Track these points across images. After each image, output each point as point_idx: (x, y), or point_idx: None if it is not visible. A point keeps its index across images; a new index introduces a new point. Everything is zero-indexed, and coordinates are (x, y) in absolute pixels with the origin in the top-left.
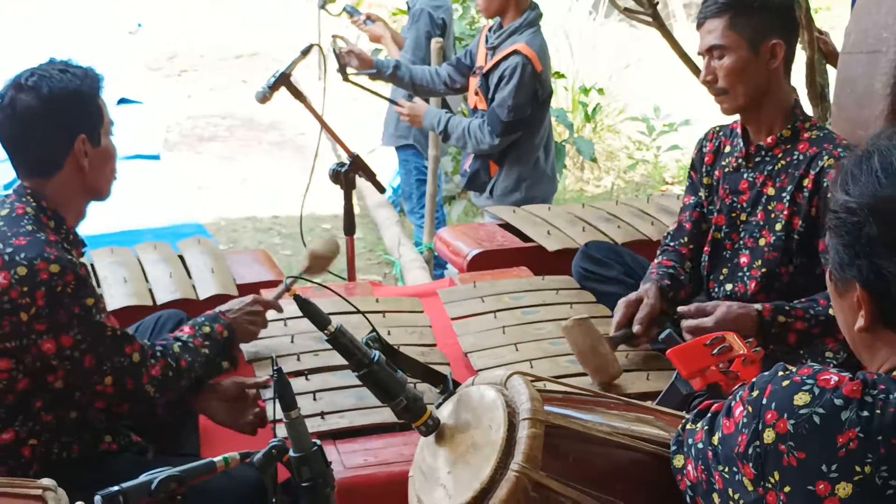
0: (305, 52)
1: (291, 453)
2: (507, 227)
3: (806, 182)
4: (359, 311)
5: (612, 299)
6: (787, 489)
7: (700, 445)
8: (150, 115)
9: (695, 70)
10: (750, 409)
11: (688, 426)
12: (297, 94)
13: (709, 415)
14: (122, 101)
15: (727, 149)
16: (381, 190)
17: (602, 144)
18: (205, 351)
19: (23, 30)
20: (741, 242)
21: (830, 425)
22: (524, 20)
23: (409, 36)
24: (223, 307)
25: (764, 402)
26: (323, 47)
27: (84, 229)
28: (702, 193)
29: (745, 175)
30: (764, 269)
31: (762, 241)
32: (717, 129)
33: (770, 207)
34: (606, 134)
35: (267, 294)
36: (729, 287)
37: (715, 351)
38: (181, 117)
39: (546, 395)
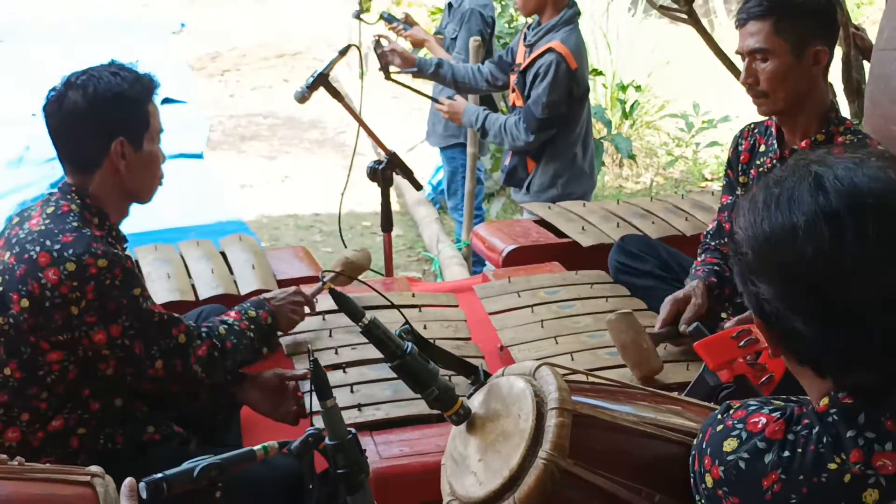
0: (343, 52)
1: (327, 441)
2: (542, 223)
3: None
4: (393, 305)
5: (646, 293)
6: None
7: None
8: (193, 114)
9: (732, 68)
10: (695, 453)
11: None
12: (335, 94)
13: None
14: (166, 100)
15: (762, 148)
16: (419, 187)
17: (641, 141)
18: (250, 334)
19: (70, 30)
20: None
21: (755, 469)
22: (561, 18)
23: (461, 36)
24: (267, 295)
25: (703, 446)
26: (360, 47)
27: (128, 227)
28: (738, 192)
29: None
30: None
31: None
32: (752, 126)
33: None
34: (645, 131)
35: (307, 288)
36: None
37: (741, 343)
38: (224, 116)
39: (574, 385)
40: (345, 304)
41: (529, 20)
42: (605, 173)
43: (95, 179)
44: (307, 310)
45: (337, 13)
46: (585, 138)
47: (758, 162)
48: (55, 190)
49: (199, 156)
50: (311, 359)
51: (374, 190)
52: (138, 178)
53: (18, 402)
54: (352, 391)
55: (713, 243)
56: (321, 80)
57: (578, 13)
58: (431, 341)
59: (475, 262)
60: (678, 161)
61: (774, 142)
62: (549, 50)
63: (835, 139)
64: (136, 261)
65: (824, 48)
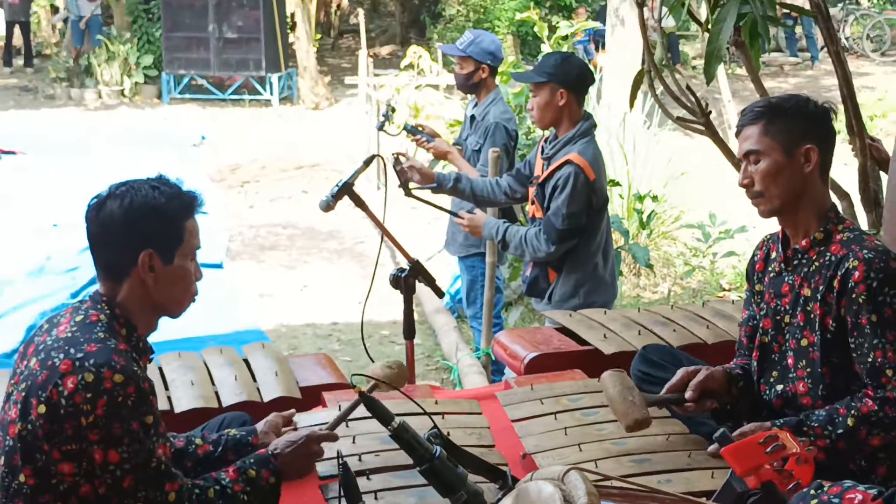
0: (367, 162)
1: None
2: (563, 330)
3: (834, 283)
4: (424, 412)
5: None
6: None
7: None
8: (213, 224)
9: None
10: None
11: None
12: (360, 203)
13: None
14: None
15: (773, 254)
16: (441, 294)
17: (658, 251)
18: (243, 497)
19: (91, 143)
20: (787, 345)
21: None
22: (577, 130)
23: (485, 149)
24: (277, 445)
25: None
26: (384, 157)
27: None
28: (754, 305)
29: (786, 278)
30: (808, 370)
31: (804, 342)
32: (768, 237)
33: (808, 308)
34: (662, 241)
35: (329, 396)
36: (780, 388)
37: (768, 449)
38: (244, 227)
39: (603, 490)
40: (374, 408)
41: (546, 133)
42: (622, 283)
43: (124, 289)
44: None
45: (355, 126)
46: (606, 248)
47: (769, 268)
48: (86, 298)
49: (219, 265)
50: (341, 463)
51: (393, 299)
52: (167, 292)
53: None
54: (376, 498)
55: (740, 358)
56: (346, 189)
57: (594, 125)
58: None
59: (494, 370)
60: (695, 271)
61: (779, 245)
62: (567, 162)
63: (833, 237)
64: (160, 368)
65: (814, 147)
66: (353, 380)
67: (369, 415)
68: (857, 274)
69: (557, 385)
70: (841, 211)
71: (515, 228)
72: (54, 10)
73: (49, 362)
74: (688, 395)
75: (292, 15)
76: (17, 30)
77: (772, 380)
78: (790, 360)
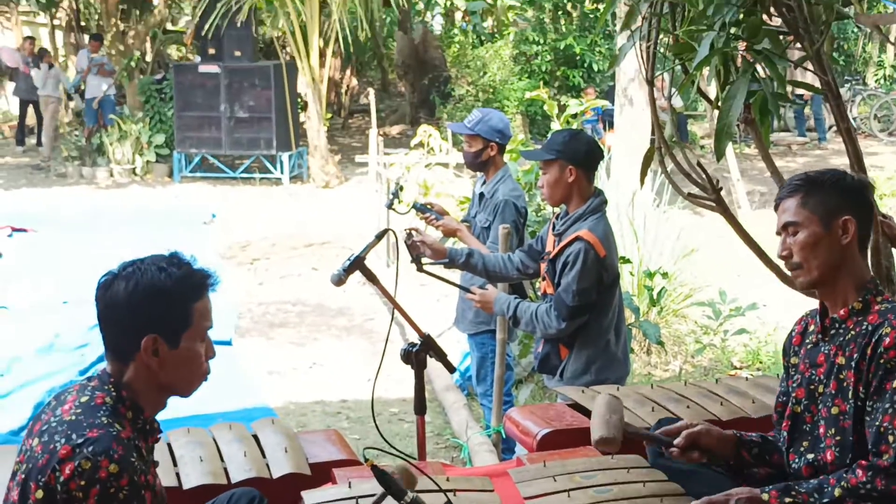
0: (379, 237)
1: None
2: (576, 406)
3: (868, 350)
4: (438, 488)
5: (688, 478)
6: None
7: None
8: (222, 301)
9: (760, 253)
10: None
11: None
12: (371, 277)
13: None
14: None
15: (811, 328)
16: (452, 370)
17: (668, 329)
18: None
19: (103, 221)
20: (819, 414)
21: None
22: (588, 207)
23: (494, 226)
24: None
25: None
26: (396, 232)
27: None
28: (785, 382)
29: (822, 348)
30: (838, 438)
31: (835, 410)
32: (808, 313)
33: (841, 377)
34: (673, 318)
35: (339, 472)
36: (810, 457)
37: None
38: (253, 304)
39: None
40: (387, 482)
41: (557, 210)
42: (633, 361)
43: (130, 370)
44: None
45: (365, 204)
46: (618, 324)
47: (807, 340)
48: (94, 376)
49: (228, 342)
50: None
51: (402, 376)
52: (174, 374)
53: None
54: None
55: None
56: (358, 263)
57: (605, 202)
58: None
59: (505, 448)
60: (706, 349)
61: (818, 317)
62: (578, 238)
63: (872, 307)
64: (169, 444)
65: (851, 218)
66: (365, 454)
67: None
68: (888, 340)
69: (570, 462)
70: None
71: (526, 304)
72: (67, 94)
73: (51, 446)
74: (677, 440)
75: (303, 95)
76: (30, 109)
77: (802, 449)
78: (821, 430)
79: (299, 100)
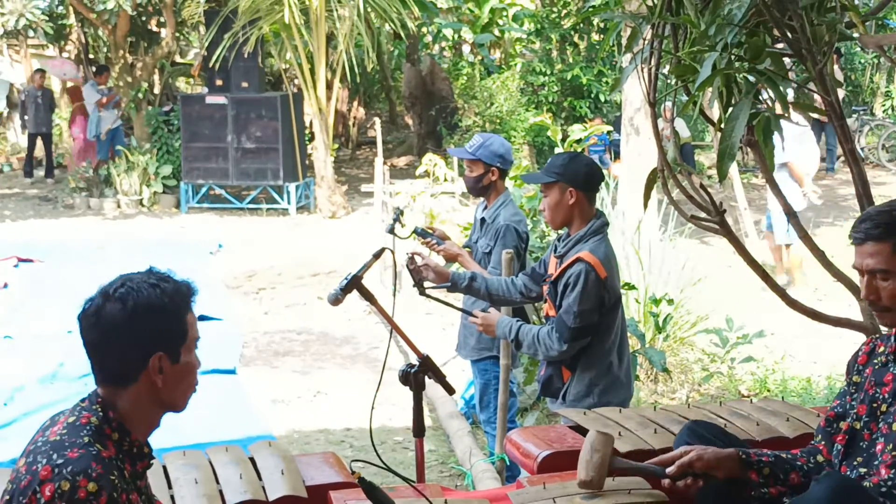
0: (377, 255)
1: None
2: (578, 429)
3: None
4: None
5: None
6: None
7: None
8: (228, 330)
9: (763, 275)
10: None
11: None
12: (369, 296)
13: None
14: (202, 317)
15: (881, 349)
16: (451, 391)
17: (675, 357)
18: None
19: (109, 251)
20: (879, 431)
21: None
22: (589, 228)
23: (496, 251)
24: None
25: None
26: (394, 251)
27: (156, 442)
28: (846, 398)
29: (892, 368)
30: (894, 454)
31: (895, 427)
32: (877, 336)
33: None
34: (679, 347)
35: (336, 495)
36: (863, 471)
37: None
38: (258, 333)
39: None
40: (375, 496)
41: (560, 232)
42: (639, 389)
43: (128, 393)
44: None
45: (371, 234)
46: (621, 346)
47: (875, 361)
48: (86, 398)
49: (233, 371)
50: None
51: (406, 404)
52: (174, 389)
53: None
54: None
55: (814, 441)
56: (355, 282)
57: (607, 223)
58: None
59: (509, 476)
60: (713, 377)
61: (892, 339)
62: (579, 260)
63: None
64: (164, 466)
65: None
66: (352, 467)
67: None
68: None
69: (571, 484)
70: None
71: (528, 327)
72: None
73: (34, 466)
74: (669, 469)
75: (310, 125)
76: (39, 141)
77: (855, 464)
78: (879, 447)
79: (306, 131)
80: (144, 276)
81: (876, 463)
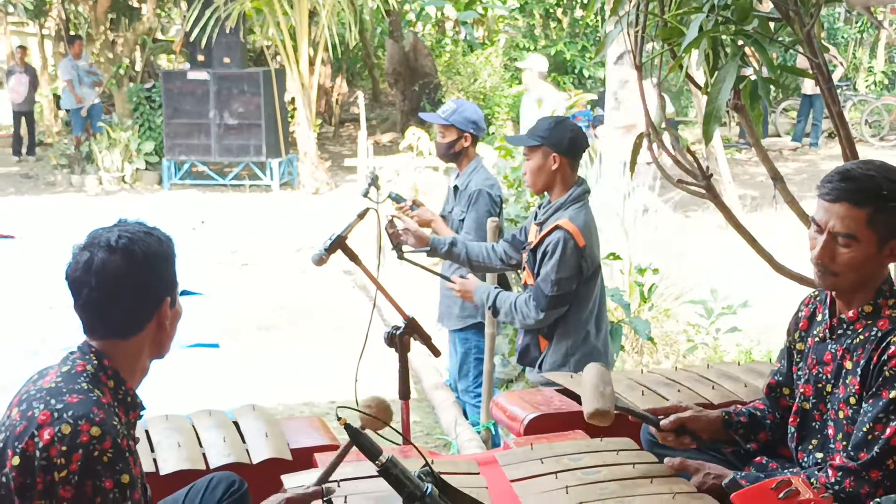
0: (361, 215)
1: None
2: (564, 392)
3: (874, 356)
4: (418, 450)
5: None
6: None
7: None
8: (210, 305)
9: (751, 240)
10: None
11: None
12: (353, 257)
13: None
14: (185, 292)
15: (819, 317)
16: (437, 353)
17: (660, 328)
18: None
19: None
20: (828, 414)
21: None
22: (569, 196)
23: (469, 217)
24: None
25: None
26: (378, 211)
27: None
28: (785, 361)
29: (830, 346)
30: (844, 443)
31: (842, 414)
32: (815, 294)
33: (847, 381)
34: (664, 318)
35: (321, 457)
36: (819, 456)
37: (781, 495)
38: (242, 307)
39: None
40: (360, 442)
41: (532, 198)
42: (624, 360)
43: (128, 343)
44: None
45: (354, 209)
46: (599, 316)
47: (814, 331)
48: (76, 350)
49: (216, 346)
50: (325, 499)
51: (391, 374)
52: (170, 333)
53: None
54: None
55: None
56: (339, 242)
57: (587, 191)
58: None
59: (494, 445)
60: (698, 348)
61: (828, 311)
62: (558, 228)
63: (882, 311)
64: (147, 430)
65: None
66: (337, 412)
67: (361, 475)
68: (893, 349)
69: (558, 445)
70: None
71: (506, 294)
72: (57, 99)
73: (29, 412)
74: (663, 421)
75: (292, 101)
76: (23, 120)
77: (811, 447)
78: (830, 431)
79: (289, 106)
80: (132, 226)
81: (831, 447)
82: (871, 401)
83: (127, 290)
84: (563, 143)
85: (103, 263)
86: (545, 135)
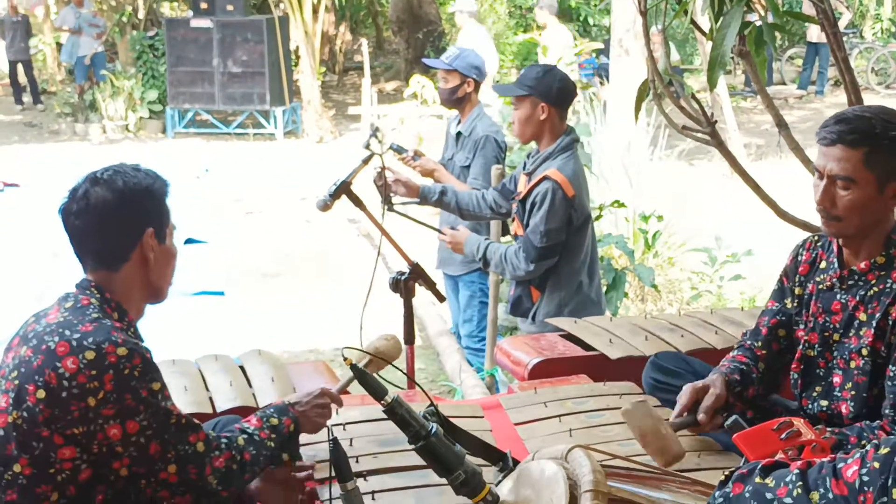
0: (366, 160)
1: None
2: (568, 337)
3: (891, 310)
4: (424, 392)
5: None
6: None
7: (789, 500)
8: (215, 253)
9: (755, 187)
10: (877, 465)
11: (755, 479)
12: (358, 202)
13: (793, 471)
14: (189, 241)
15: (823, 264)
16: (441, 298)
17: (664, 276)
18: (270, 444)
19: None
20: (834, 362)
21: None
22: (558, 145)
23: (476, 163)
24: (292, 398)
25: None
26: (382, 156)
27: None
28: (788, 301)
29: (839, 296)
30: (853, 392)
31: (853, 364)
32: (816, 238)
33: (861, 333)
34: (668, 267)
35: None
36: (824, 403)
37: (783, 435)
38: (246, 255)
39: (609, 469)
40: (367, 382)
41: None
42: (627, 308)
43: (120, 275)
44: (335, 410)
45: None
46: (591, 266)
47: (817, 279)
48: (75, 289)
49: (221, 293)
50: (331, 439)
51: (396, 320)
52: (161, 271)
53: (26, 500)
54: (373, 498)
55: (749, 342)
56: (343, 188)
57: (576, 140)
58: None
59: (498, 391)
60: (702, 296)
61: (836, 260)
62: (546, 178)
63: (895, 262)
64: None
65: None
66: (343, 353)
67: (367, 418)
68: None
69: (562, 389)
70: None
71: (496, 246)
72: (60, 48)
73: (43, 346)
74: (700, 418)
75: (296, 49)
76: (20, 68)
77: (815, 394)
78: (837, 379)
79: (292, 54)
80: (125, 165)
81: (836, 395)
82: None
83: (107, 219)
84: (552, 92)
85: (86, 193)
86: (533, 84)
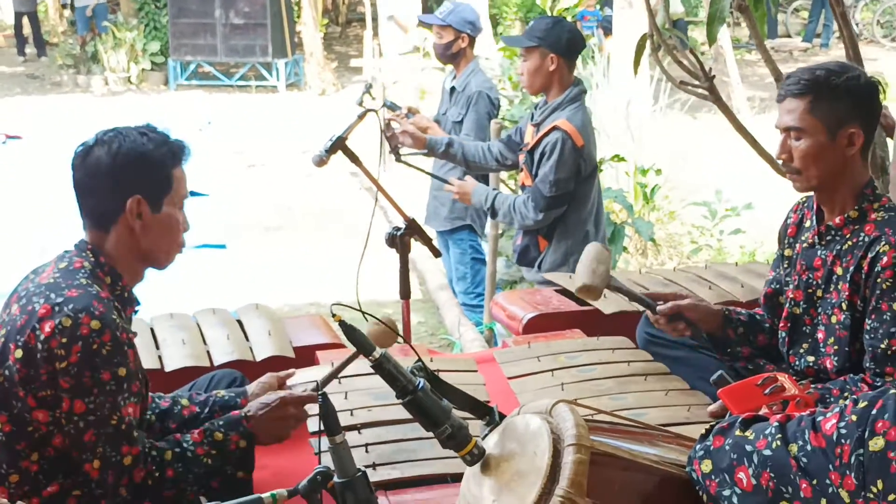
0: (361, 116)
1: (336, 480)
2: (563, 292)
3: (864, 263)
4: (413, 350)
5: (679, 363)
6: (891, 497)
7: (768, 452)
8: (217, 206)
9: (754, 143)
10: (854, 418)
11: (735, 432)
12: (353, 158)
13: (773, 424)
14: (191, 193)
15: (807, 223)
16: (437, 254)
17: (664, 230)
18: (206, 461)
19: (94, 127)
20: (819, 318)
21: None
22: (567, 96)
23: (468, 118)
24: (250, 408)
25: (874, 412)
26: (378, 112)
27: (145, 314)
28: (780, 269)
29: (819, 252)
30: (836, 347)
31: (834, 319)
32: (804, 200)
33: (839, 287)
34: (668, 221)
35: (323, 355)
36: (811, 359)
37: (767, 391)
38: (248, 208)
39: (592, 424)
40: (354, 337)
41: (537, 99)
42: (628, 262)
43: (111, 237)
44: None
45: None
46: (597, 216)
47: (802, 238)
48: (73, 248)
49: (222, 246)
50: (320, 393)
51: (395, 275)
52: (155, 240)
53: (6, 457)
54: (367, 451)
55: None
56: (339, 143)
57: (584, 91)
58: None
59: (496, 346)
60: (702, 250)
61: (814, 217)
62: (555, 128)
63: (868, 215)
64: (152, 328)
65: (859, 130)
66: (332, 309)
67: (361, 372)
68: (885, 259)
69: (555, 343)
70: None
71: (504, 196)
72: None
73: (29, 307)
74: (661, 307)
75: (298, 0)
76: (25, 20)
77: (801, 351)
78: (821, 335)
79: (295, 5)
80: (137, 127)
81: (821, 351)
82: (873, 316)
83: (97, 180)
84: (561, 43)
85: (86, 152)
86: (542, 35)
